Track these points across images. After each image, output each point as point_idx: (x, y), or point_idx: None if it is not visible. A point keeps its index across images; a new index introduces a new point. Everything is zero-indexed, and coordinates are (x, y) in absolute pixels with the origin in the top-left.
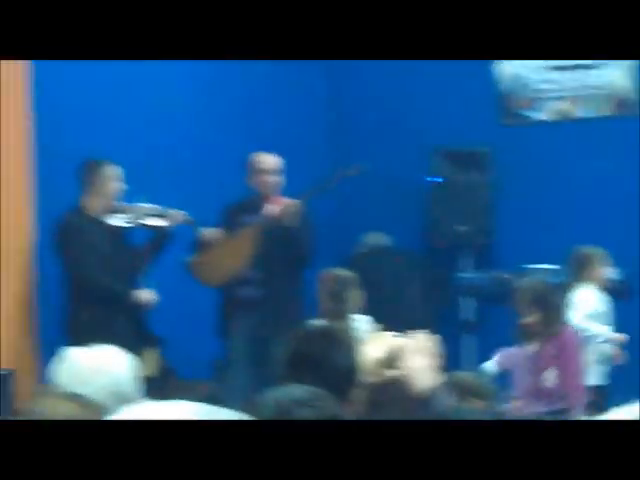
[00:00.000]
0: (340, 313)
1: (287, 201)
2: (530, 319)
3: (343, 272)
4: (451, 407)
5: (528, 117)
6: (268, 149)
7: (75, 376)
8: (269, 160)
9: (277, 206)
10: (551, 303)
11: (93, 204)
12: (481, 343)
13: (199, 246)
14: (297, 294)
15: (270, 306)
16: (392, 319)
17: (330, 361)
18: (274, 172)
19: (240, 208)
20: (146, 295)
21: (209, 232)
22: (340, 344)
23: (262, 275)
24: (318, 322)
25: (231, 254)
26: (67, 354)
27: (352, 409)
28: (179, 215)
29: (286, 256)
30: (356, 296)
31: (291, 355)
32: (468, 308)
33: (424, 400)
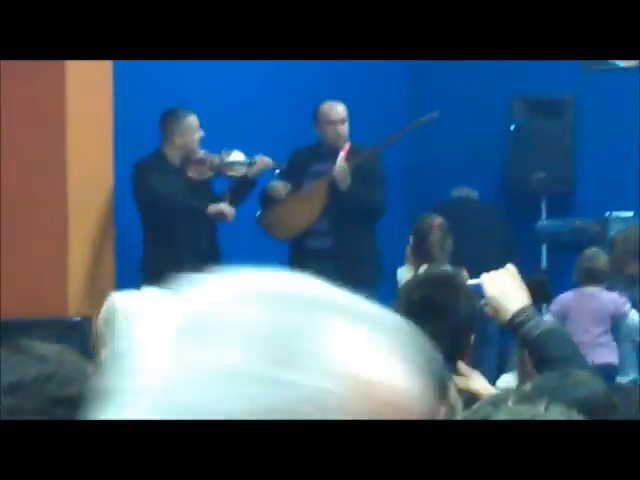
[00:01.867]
0: (441, 260)
1: (339, 165)
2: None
3: (443, 220)
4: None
5: (610, 63)
6: (344, 96)
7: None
8: (338, 109)
9: (347, 154)
10: None
11: (172, 152)
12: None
13: (267, 200)
14: (369, 244)
15: (341, 257)
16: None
17: (450, 308)
18: (342, 121)
19: (308, 155)
20: (225, 206)
21: (277, 186)
22: (462, 291)
23: (333, 226)
24: (437, 269)
25: (302, 208)
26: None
27: (466, 359)
28: (265, 161)
29: (357, 207)
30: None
31: (412, 301)
32: (544, 255)
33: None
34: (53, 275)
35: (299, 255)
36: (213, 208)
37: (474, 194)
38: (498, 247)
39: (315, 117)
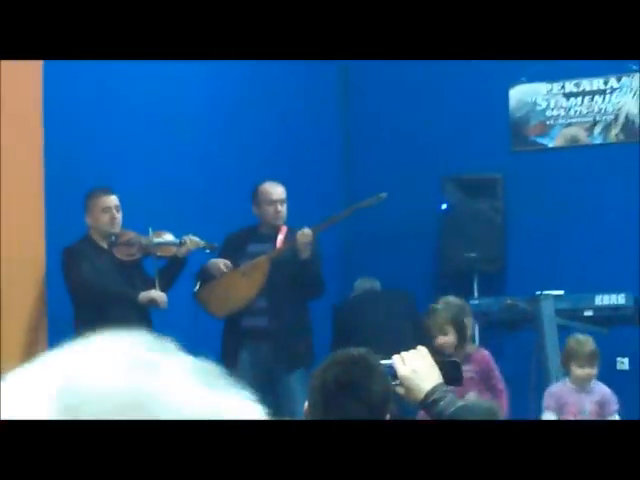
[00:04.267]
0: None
1: (301, 232)
2: (444, 339)
3: (456, 300)
4: (454, 403)
5: (539, 143)
6: (277, 177)
7: None
8: (277, 190)
9: (285, 237)
10: (464, 324)
11: (98, 235)
12: None
13: (206, 276)
14: (305, 325)
15: (278, 336)
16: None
17: (365, 388)
18: (282, 202)
19: (245, 237)
20: (157, 293)
21: (217, 263)
22: (374, 371)
23: (270, 305)
24: (350, 350)
25: (241, 286)
26: None
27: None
28: (194, 241)
29: (295, 287)
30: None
31: (325, 382)
32: (477, 334)
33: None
34: None
35: (235, 333)
36: (144, 296)
37: (376, 284)
38: (407, 331)
39: (254, 197)
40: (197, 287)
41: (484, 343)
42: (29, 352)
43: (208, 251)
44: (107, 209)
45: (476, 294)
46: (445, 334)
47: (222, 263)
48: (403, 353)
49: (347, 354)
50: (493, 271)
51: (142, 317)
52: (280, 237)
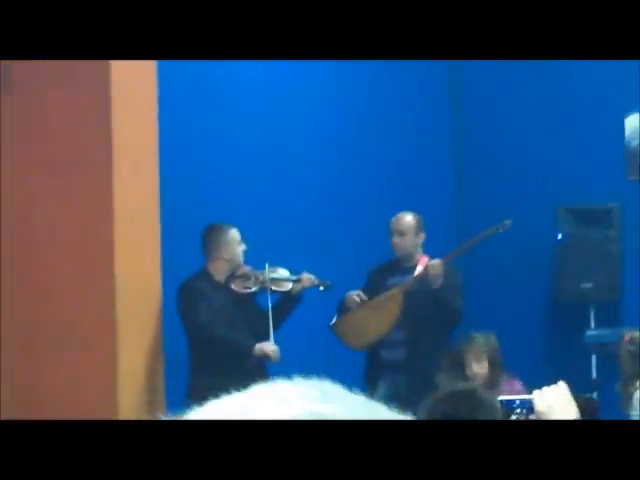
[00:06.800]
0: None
1: (431, 263)
2: (478, 369)
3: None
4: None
5: None
6: (390, 206)
7: None
8: (400, 220)
9: (425, 267)
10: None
11: (217, 268)
12: (604, 400)
13: (343, 308)
14: None
15: (416, 368)
16: None
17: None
18: (401, 233)
19: (386, 270)
20: (270, 348)
21: (353, 295)
22: (483, 407)
23: (407, 337)
24: (459, 385)
25: (377, 317)
26: None
27: None
28: (309, 279)
29: (433, 317)
30: None
31: (433, 417)
32: (594, 365)
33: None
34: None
35: (374, 366)
36: (259, 349)
37: None
38: None
39: (388, 228)
40: (334, 320)
41: (601, 374)
42: (146, 383)
43: (322, 289)
44: (239, 241)
45: (592, 325)
46: (479, 363)
47: (356, 295)
48: (543, 388)
49: (455, 389)
50: (610, 301)
51: (258, 365)
52: (419, 268)
